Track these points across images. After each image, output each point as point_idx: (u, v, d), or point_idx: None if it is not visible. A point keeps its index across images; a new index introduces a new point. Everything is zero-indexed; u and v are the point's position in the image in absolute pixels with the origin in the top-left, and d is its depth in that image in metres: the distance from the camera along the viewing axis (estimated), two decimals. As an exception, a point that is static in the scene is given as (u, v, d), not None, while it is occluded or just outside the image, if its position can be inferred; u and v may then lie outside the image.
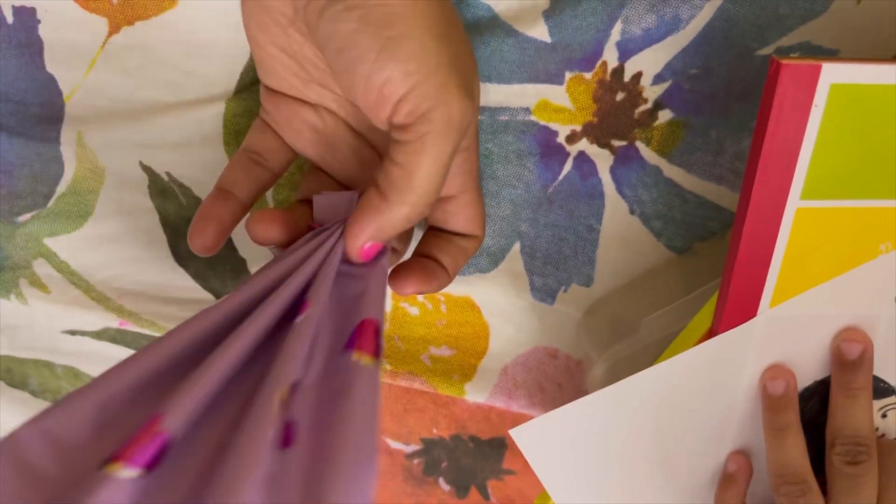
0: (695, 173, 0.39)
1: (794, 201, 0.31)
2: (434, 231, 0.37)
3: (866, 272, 0.33)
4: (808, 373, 0.35)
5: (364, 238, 0.30)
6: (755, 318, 0.33)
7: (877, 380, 0.35)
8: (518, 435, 0.35)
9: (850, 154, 0.30)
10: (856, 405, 0.33)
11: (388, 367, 0.43)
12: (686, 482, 0.37)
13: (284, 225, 0.33)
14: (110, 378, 0.26)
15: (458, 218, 0.36)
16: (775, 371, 0.34)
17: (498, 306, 0.42)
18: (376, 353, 0.28)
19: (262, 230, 0.33)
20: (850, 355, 0.34)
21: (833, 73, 0.28)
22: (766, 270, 0.32)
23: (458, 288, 0.42)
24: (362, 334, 0.29)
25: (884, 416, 0.36)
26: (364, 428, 0.25)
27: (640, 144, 0.38)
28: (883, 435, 0.36)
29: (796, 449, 0.34)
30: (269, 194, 0.41)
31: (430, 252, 0.36)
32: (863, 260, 0.32)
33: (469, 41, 0.32)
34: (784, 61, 0.28)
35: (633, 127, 0.38)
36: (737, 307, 0.33)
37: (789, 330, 0.34)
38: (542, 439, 0.35)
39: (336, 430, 0.25)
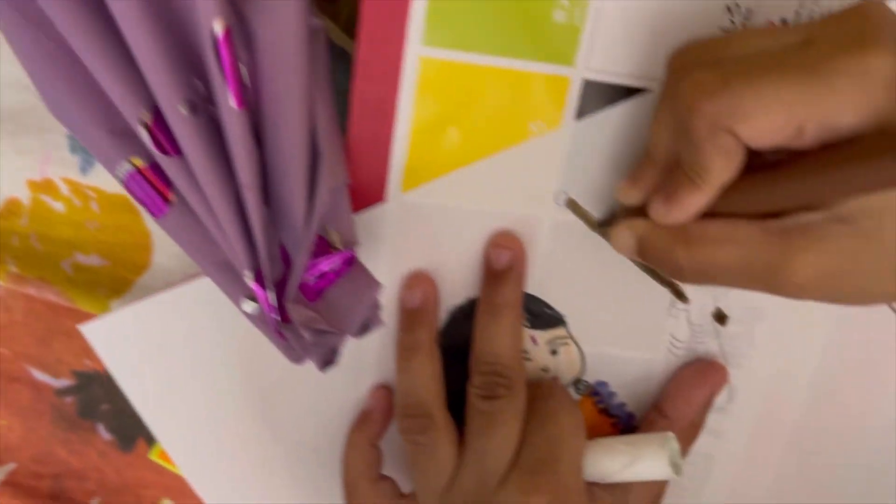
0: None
1: (416, 47, 0.25)
2: None
3: (516, 159, 0.27)
4: (460, 286, 0.29)
5: None
6: (382, 204, 0.27)
7: (540, 303, 0.29)
8: (90, 331, 0.28)
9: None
10: (498, 326, 0.27)
11: (14, 269, 0.35)
12: (322, 419, 0.30)
13: None
14: None
15: None
16: (413, 280, 0.28)
17: (166, 212, 0.35)
18: None
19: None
20: (496, 264, 0.28)
21: None
22: (388, 138, 0.26)
23: (113, 183, 0.35)
24: None
25: (553, 352, 0.30)
26: None
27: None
28: (555, 377, 0.30)
29: (423, 375, 0.27)
30: None
31: None
32: (511, 142, 0.26)
33: None
34: None
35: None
36: (360, 189, 0.27)
37: (432, 228, 0.28)
38: (120, 338, 0.28)
39: None
